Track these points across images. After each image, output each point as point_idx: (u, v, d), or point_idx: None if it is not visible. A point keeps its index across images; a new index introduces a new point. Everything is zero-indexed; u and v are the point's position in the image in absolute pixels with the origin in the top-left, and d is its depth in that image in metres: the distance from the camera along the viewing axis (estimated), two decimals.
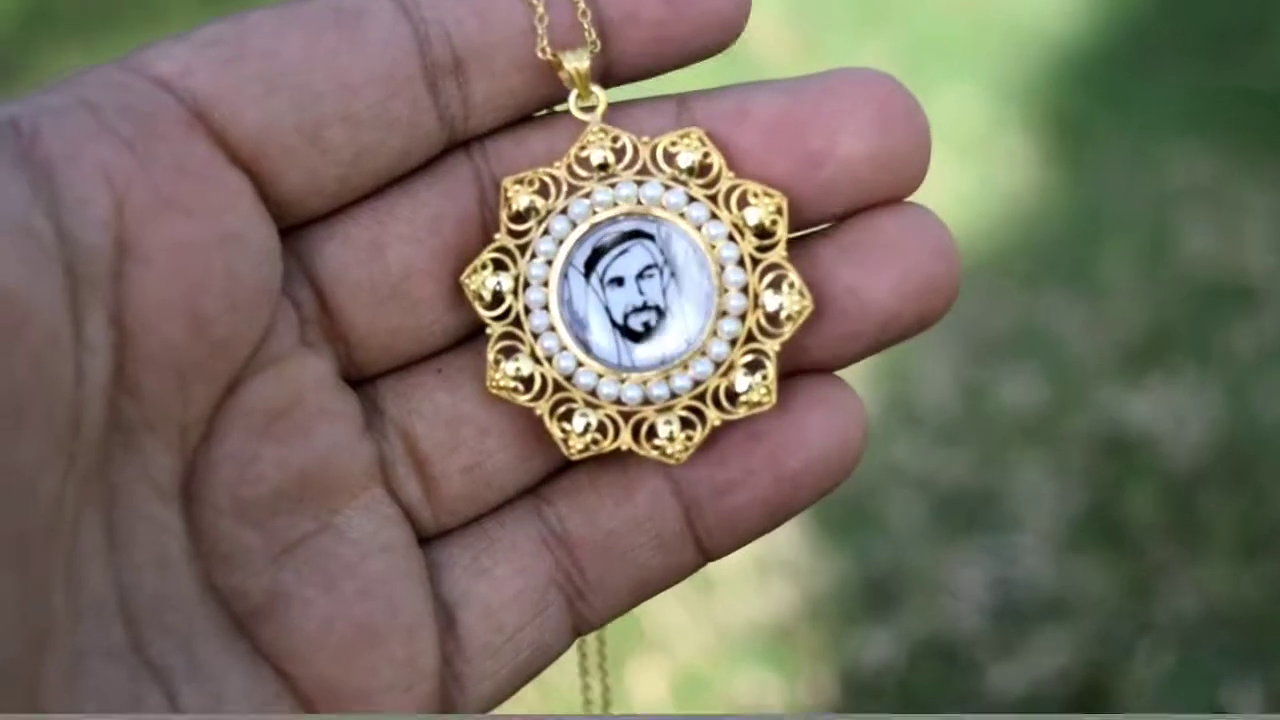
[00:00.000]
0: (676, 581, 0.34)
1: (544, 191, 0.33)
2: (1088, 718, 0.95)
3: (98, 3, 1.58)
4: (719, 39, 0.33)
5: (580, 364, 0.33)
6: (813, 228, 0.33)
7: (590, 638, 0.36)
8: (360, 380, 0.33)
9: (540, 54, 0.32)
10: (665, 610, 1.01)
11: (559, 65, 0.32)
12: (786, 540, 1.05)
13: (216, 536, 0.30)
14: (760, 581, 1.03)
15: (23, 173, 0.27)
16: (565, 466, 0.34)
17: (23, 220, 0.26)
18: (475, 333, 0.33)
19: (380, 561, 0.31)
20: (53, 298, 0.26)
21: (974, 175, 1.38)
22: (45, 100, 0.28)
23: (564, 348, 0.33)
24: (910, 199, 0.33)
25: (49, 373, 0.26)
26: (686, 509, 0.33)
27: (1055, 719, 0.95)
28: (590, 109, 0.33)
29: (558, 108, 0.34)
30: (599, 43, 0.32)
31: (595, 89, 0.33)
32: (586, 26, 0.32)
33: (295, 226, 0.32)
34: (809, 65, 1.50)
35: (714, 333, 0.33)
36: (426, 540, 0.33)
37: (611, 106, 0.34)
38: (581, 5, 0.32)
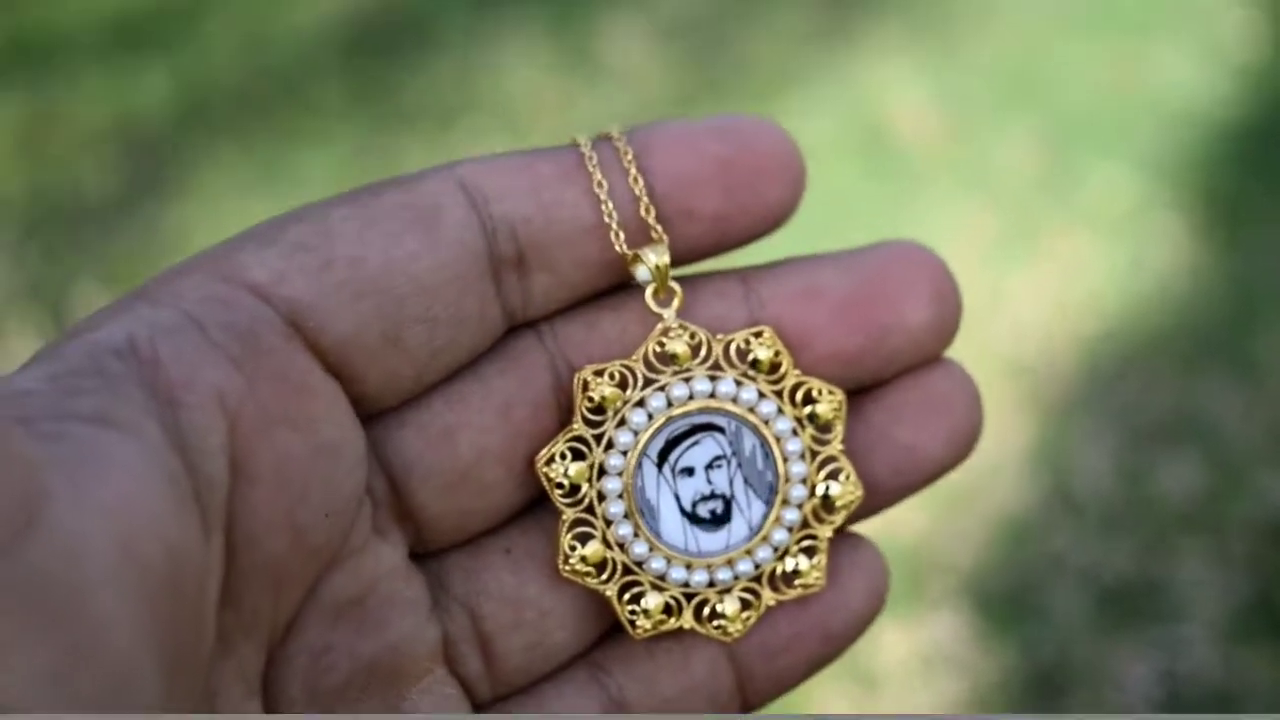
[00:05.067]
0: None
1: (622, 384, 0.34)
2: None
3: (251, 99, 1.62)
4: (774, 225, 0.35)
5: (652, 549, 0.35)
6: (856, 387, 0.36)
7: None
8: (428, 554, 0.34)
9: (618, 249, 0.34)
10: (832, 707, 1.01)
11: (636, 261, 0.34)
12: (952, 635, 1.05)
13: None
14: (926, 676, 1.03)
15: (151, 406, 0.27)
16: (620, 631, 0.35)
17: (164, 464, 0.27)
18: (540, 503, 0.34)
19: None
20: (197, 540, 0.27)
21: (1125, 255, 1.37)
22: (155, 318, 0.29)
23: (637, 534, 0.35)
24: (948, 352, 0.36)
25: (204, 623, 0.27)
26: (739, 673, 0.35)
27: None
28: (665, 302, 0.35)
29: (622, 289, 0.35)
30: (664, 236, 0.34)
31: (672, 284, 0.35)
32: (652, 222, 0.34)
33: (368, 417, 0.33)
34: (956, 150, 1.52)
35: (776, 520, 0.35)
36: (483, 706, 0.34)
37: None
38: (645, 201, 0.34)
